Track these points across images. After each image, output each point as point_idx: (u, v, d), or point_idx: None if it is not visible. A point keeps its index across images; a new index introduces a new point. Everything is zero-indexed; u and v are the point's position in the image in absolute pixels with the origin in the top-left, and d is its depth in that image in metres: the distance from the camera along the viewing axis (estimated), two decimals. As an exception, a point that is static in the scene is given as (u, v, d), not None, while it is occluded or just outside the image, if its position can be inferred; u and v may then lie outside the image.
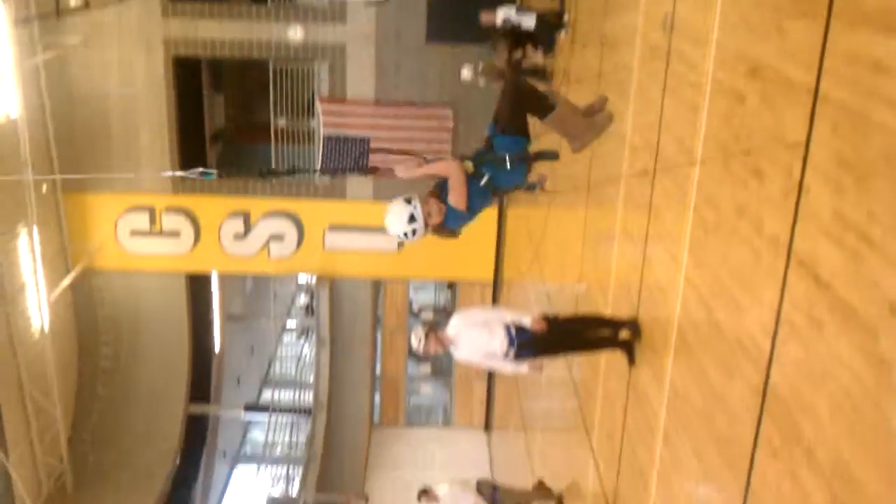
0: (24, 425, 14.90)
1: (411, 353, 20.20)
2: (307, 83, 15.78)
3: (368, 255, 16.28)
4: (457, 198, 6.04)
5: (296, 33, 15.14)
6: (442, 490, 9.52)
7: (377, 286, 19.02)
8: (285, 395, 19.61)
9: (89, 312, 17.26)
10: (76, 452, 16.82)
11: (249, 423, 22.44)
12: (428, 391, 21.86)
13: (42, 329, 15.11)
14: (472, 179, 6.22)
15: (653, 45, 6.31)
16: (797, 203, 3.67)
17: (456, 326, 6.86)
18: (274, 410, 18.45)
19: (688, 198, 5.16)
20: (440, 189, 6.24)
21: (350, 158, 15.58)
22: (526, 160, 6.46)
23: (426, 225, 6.15)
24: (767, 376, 3.88)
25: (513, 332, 6.61)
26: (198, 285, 18.03)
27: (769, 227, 3.96)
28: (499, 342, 6.60)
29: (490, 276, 16.60)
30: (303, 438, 18.28)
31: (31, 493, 14.21)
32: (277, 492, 17.04)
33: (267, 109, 16.03)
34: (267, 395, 21.44)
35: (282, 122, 15.90)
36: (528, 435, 12.32)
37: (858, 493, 3.07)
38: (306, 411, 18.35)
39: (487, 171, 6.27)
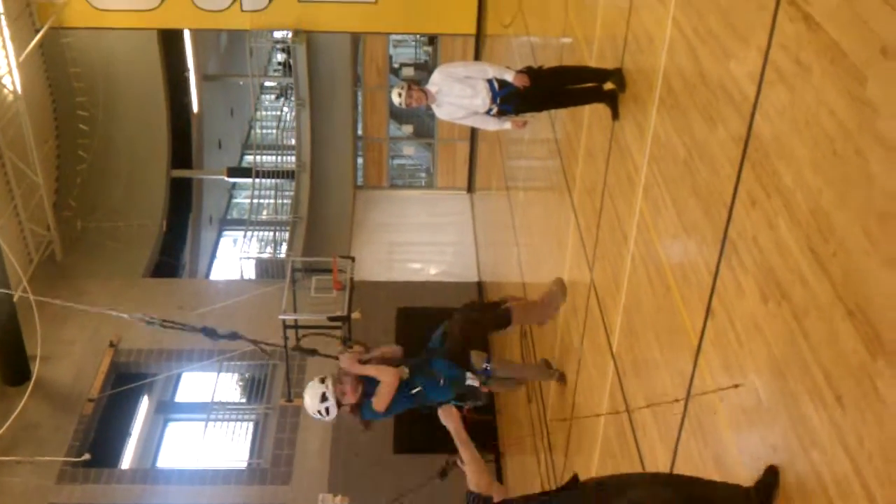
0: (7, 193, 14.88)
1: (393, 114, 19.95)
2: None
3: (345, 6, 15.63)
4: (379, 404, 6.28)
5: None
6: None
7: (356, 42, 18.47)
8: (267, 159, 19.53)
9: (62, 74, 16.80)
10: (63, 220, 16.93)
11: (234, 186, 22.53)
12: (410, 152, 21.82)
13: (15, 92, 14.74)
14: (403, 385, 6.41)
15: None
16: (793, -64, 3.40)
17: (437, 82, 6.64)
18: (257, 175, 18.41)
19: (678, -64, 4.83)
20: (368, 380, 6.44)
21: None
22: (458, 387, 6.79)
23: (339, 405, 6.35)
24: (751, 123, 3.77)
25: (495, 86, 6.42)
26: (171, 43, 17.46)
27: (762, -35, 3.70)
28: (481, 98, 6.43)
29: (472, 29, 16.07)
30: (288, 202, 18.39)
31: (21, 263, 14.43)
32: (265, 255, 17.33)
33: None
34: (249, 158, 21.36)
35: None
36: (511, 195, 12.37)
37: (834, 242, 3.04)
38: (289, 174, 18.34)
39: (420, 383, 6.52)
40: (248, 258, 17.15)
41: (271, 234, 18.31)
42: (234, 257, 19.18)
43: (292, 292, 13.12)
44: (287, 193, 18.48)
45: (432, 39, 20.54)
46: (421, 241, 18.71)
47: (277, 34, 18.46)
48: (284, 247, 17.76)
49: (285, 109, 20.49)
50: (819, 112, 3.16)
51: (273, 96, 24.09)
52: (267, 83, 23.85)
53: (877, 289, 2.77)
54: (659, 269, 5.05)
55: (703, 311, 4.27)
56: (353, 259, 13.50)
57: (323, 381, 6.42)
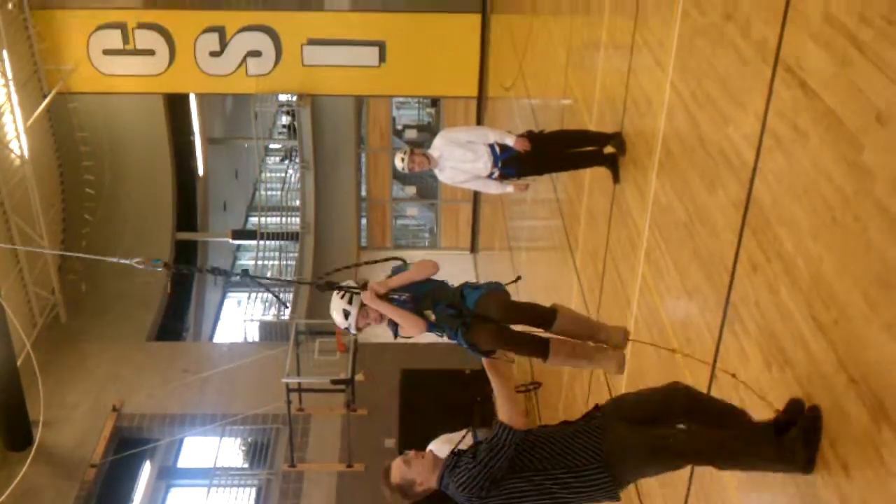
0: (12, 257, 14.91)
1: (396, 175, 20.05)
2: None
3: (349, 70, 15.82)
4: (405, 331, 5.15)
5: None
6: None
7: (359, 104, 18.65)
8: (272, 221, 19.58)
9: (68, 138, 16.94)
10: (67, 283, 16.93)
11: (238, 248, 22.56)
12: (414, 213, 21.88)
13: (22, 156, 14.88)
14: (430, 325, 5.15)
15: None
16: (787, 4, 3.44)
17: (439, 147, 6.68)
18: (261, 237, 18.46)
19: (675, 0, 4.89)
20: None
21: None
22: None
23: (358, 328, 5.20)
24: (750, 189, 3.77)
25: (497, 150, 6.45)
26: (176, 107, 17.63)
27: (757, 31, 3.74)
28: (483, 162, 6.46)
29: (474, 91, 16.24)
30: (292, 263, 18.40)
31: (26, 326, 14.41)
32: (270, 317, 17.29)
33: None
34: (254, 220, 21.42)
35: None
36: (514, 255, 12.38)
37: (836, 309, 3.02)
38: (294, 236, 18.38)
39: (446, 331, 5.12)
40: (252, 320, 17.11)
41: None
42: (238, 319, 19.12)
43: (296, 355, 13.06)
44: (291, 255, 18.51)
45: (435, 101, 20.74)
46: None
47: (282, 97, 18.67)
48: (289, 307, 17.70)
49: (290, 171, 20.62)
50: (817, 178, 3.17)
51: (278, 158, 24.26)
52: (272, 146, 24.04)
53: (879, 357, 2.74)
54: (662, 332, 5.02)
55: (708, 376, 4.23)
56: (356, 320, 13.43)
57: (346, 296, 5.16)
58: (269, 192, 21.46)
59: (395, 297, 4.99)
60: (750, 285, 3.74)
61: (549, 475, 3.34)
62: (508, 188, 6.77)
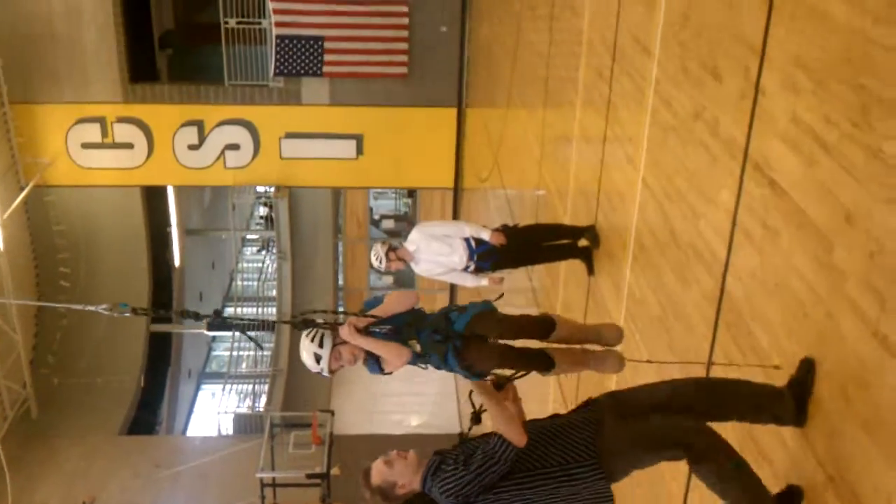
0: (-16, 350, 14.71)
1: (373, 265, 20.05)
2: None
3: (327, 163, 15.98)
4: (389, 366, 4.82)
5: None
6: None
7: (337, 195, 18.77)
8: (248, 310, 19.47)
9: (44, 230, 16.89)
10: (39, 376, 16.67)
11: (214, 339, 22.36)
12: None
13: (-4, 249, 14.79)
14: (415, 357, 4.86)
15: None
16: (754, 105, 3.52)
17: (416, 241, 6.70)
18: (237, 327, 18.31)
19: (645, 98, 4.99)
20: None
21: (305, 60, 15.14)
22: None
23: (331, 371, 4.81)
24: (723, 284, 3.79)
25: (472, 244, 6.47)
26: (154, 198, 17.66)
27: (725, 130, 3.81)
28: (458, 255, 6.48)
29: (450, 183, 16.41)
30: (268, 354, 18.23)
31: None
32: (244, 409, 17.05)
33: (216, 9, 15.44)
34: (230, 310, 21.29)
35: (232, 22, 15.33)
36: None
37: (812, 406, 3.01)
38: (270, 326, 18.26)
39: (432, 362, 4.92)
40: (226, 413, 16.86)
41: (250, 386, 18.05)
42: (212, 412, 18.83)
43: (270, 448, 12.84)
44: (267, 345, 18.34)
45: (412, 192, 20.92)
46: (402, 392, 18.48)
47: (260, 188, 18.78)
48: (264, 399, 17.49)
49: (267, 261, 20.60)
50: (789, 275, 3.19)
51: (255, 248, 24.26)
52: (249, 236, 24.06)
53: (854, 455, 2.72)
54: None
55: (684, 479, 4.18)
56: (332, 413, 13.30)
57: (315, 338, 4.76)
58: (245, 283, 21.41)
59: (377, 330, 4.71)
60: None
61: (540, 473, 3.19)
62: (484, 282, 6.77)
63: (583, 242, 6.21)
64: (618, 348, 4.70)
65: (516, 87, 10.07)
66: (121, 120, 15.73)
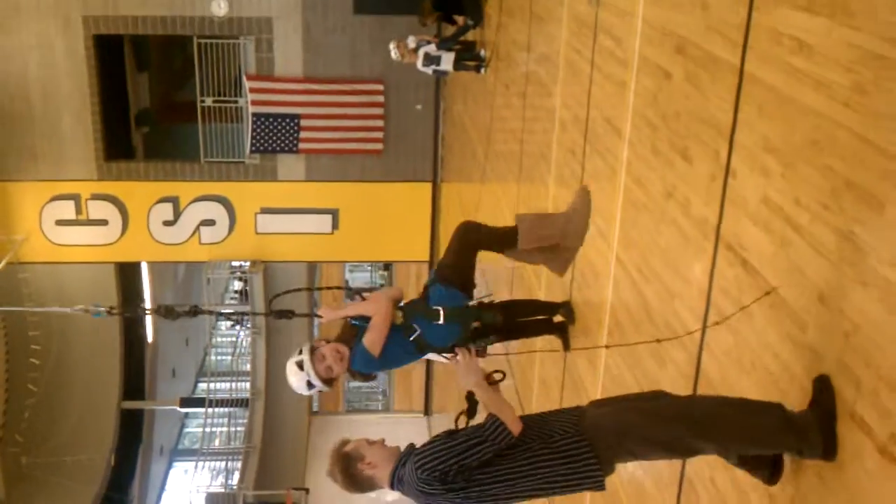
0: (-48, 428, 14.42)
1: (348, 337, 19.94)
2: (233, 60, 15.34)
3: (302, 237, 15.97)
4: (371, 339, 4.72)
5: (220, 7, 14.71)
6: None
7: (312, 268, 18.74)
8: (222, 386, 19.25)
9: (16, 307, 16.70)
10: (8, 456, 16.33)
11: (186, 415, 22.06)
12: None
13: (-34, 326, 14.60)
14: (398, 330, 4.91)
15: (580, 18, 6.17)
16: (724, 186, 3.58)
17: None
18: (210, 404, 18.08)
19: (617, 177, 5.06)
20: (359, 330, 4.87)
21: (281, 137, 15.26)
22: (462, 319, 5.16)
23: (323, 379, 4.73)
24: (698, 363, 3.80)
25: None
26: (128, 274, 17.55)
27: (697, 210, 3.87)
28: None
29: (426, 256, 16.44)
30: (241, 429, 17.98)
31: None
32: (216, 488, 16.74)
33: (193, 88, 15.57)
34: (203, 386, 21.05)
35: (209, 100, 15.46)
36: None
37: (790, 484, 3.00)
38: (244, 402, 18.04)
39: (419, 325, 4.98)
40: (199, 491, 16.53)
41: (223, 463, 17.75)
42: (184, 490, 18.46)
43: (244, 529, 12.57)
44: (241, 421, 18.09)
45: (387, 265, 20.94)
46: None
47: (235, 262, 18.71)
48: (237, 475, 17.19)
49: (241, 335, 20.43)
50: (764, 355, 3.21)
51: (229, 323, 24.07)
52: (224, 310, 23.89)
53: (839, 540, 2.71)
54: (615, 499, 4.93)
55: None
56: (307, 491, 13.09)
57: (300, 356, 4.75)
58: (219, 358, 21.21)
59: (356, 322, 4.77)
60: (704, 461, 3.71)
61: (523, 451, 3.01)
62: (458, 357, 6.71)
63: (558, 318, 6.21)
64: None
65: (490, 162, 10.19)
66: (95, 197, 15.69)
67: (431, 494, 3.05)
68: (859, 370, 2.62)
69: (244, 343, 19.61)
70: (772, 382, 3.14)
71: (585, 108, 5.83)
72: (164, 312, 5.31)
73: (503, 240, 5.78)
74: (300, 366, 4.60)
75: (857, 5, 2.65)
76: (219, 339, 22.09)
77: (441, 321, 4.98)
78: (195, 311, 5.80)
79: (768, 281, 3.19)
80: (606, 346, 4.86)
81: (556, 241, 5.80)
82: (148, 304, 18.11)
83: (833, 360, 2.76)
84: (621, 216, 4.97)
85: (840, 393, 2.71)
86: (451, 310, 5.05)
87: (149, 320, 18.21)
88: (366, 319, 4.77)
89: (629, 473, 4.74)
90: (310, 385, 4.66)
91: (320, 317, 5.26)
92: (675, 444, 2.95)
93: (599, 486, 3.01)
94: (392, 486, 3.16)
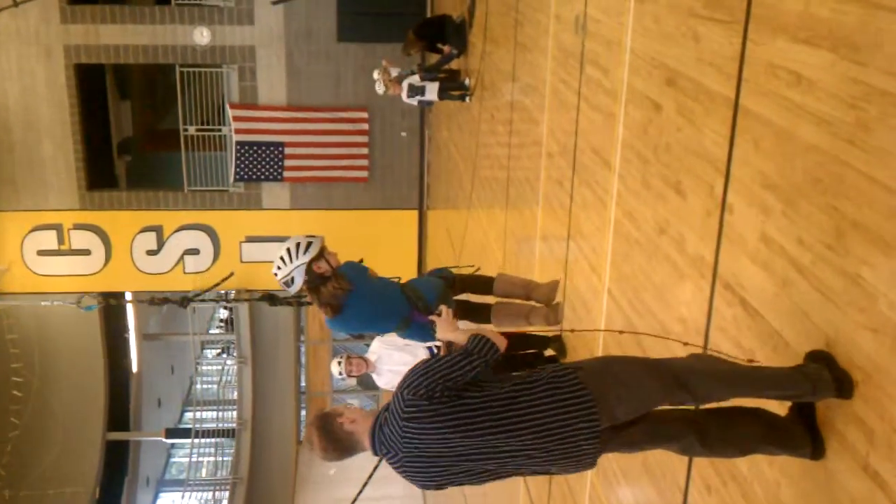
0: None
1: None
2: (216, 88, 15.22)
3: (287, 265, 15.81)
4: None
5: (202, 36, 14.60)
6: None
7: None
8: (208, 415, 19.02)
9: (-2, 338, 16.48)
10: (-11, 490, 16.06)
11: (173, 445, 21.78)
12: (355, 404, 21.46)
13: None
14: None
15: (565, 48, 6.07)
16: (721, 222, 3.45)
17: (376, 351, 6.57)
18: (197, 434, 17.84)
19: (607, 210, 4.94)
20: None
21: (265, 165, 15.14)
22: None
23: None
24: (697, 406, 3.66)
25: (436, 352, 6.32)
26: (110, 304, 17.34)
27: (692, 247, 3.74)
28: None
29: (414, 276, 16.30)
30: (228, 458, 17.75)
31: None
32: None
33: (176, 116, 15.44)
34: (189, 415, 20.80)
35: (192, 129, 15.33)
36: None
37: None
38: (230, 433, 17.81)
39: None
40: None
41: (211, 493, 17.51)
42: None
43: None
44: (228, 451, 17.87)
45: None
46: (367, 497, 17.97)
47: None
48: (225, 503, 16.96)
49: (228, 363, 20.22)
50: (766, 402, 3.07)
51: (215, 352, 23.84)
52: (210, 338, 23.67)
53: None
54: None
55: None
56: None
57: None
58: (205, 386, 20.97)
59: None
60: (711, 466, 3.56)
61: (513, 380, 2.85)
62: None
63: (549, 352, 6.08)
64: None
65: (476, 190, 10.07)
66: (78, 227, 15.52)
67: (419, 426, 2.82)
68: (872, 421, 2.49)
69: (231, 371, 19.39)
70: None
71: (573, 138, 5.72)
72: (153, 302, 5.51)
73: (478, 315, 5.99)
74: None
75: (861, 38, 2.54)
76: (205, 367, 21.83)
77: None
78: (187, 299, 6.23)
79: (769, 323, 3.07)
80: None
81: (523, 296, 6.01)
82: (132, 334, 17.91)
83: (843, 410, 2.63)
84: (612, 249, 4.85)
85: (852, 445, 2.58)
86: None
87: (133, 349, 17.99)
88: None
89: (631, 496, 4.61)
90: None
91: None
92: (666, 374, 2.86)
93: (594, 427, 2.76)
94: (373, 443, 2.93)
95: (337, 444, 2.98)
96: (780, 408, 2.94)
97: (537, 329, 6.02)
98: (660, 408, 2.92)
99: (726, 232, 3.41)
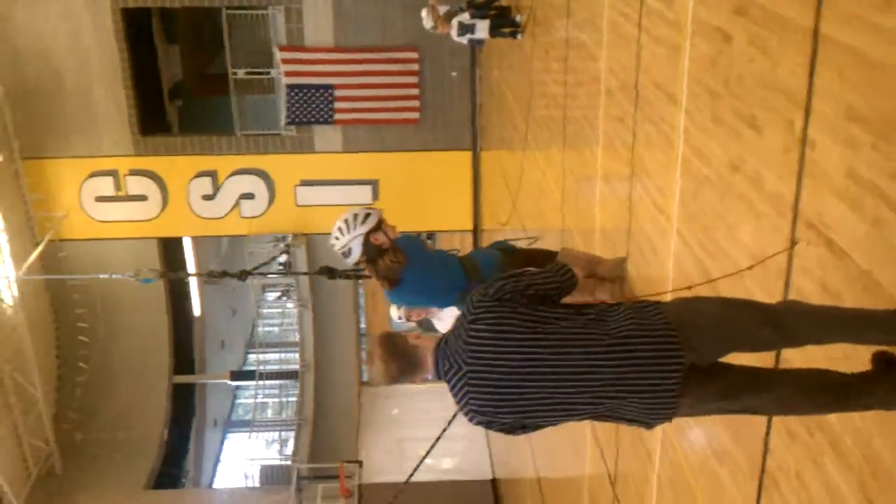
0: (5, 407, 14.56)
1: (395, 306, 19.86)
2: (264, 31, 15.09)
3: (343, 209, 15.77)
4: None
5: (247, -24, 14.45)
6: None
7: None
8: (271, 357, 19.31)
9: (61, 285, 16.77)
10: (62, 432, 16.52)
11: (237, 388, 22.20)
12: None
13: (15, 306, 14.68)
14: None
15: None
16: (801, 159, 3.26)
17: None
18: (261, 377, 18.12)
19: (674, 147, 4.74)
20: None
21: (315, 108, 15.04)
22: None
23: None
24: (778, 353, 3.51)
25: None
26: (171, 247, 17.54)
27: (770, 185, 3.55)
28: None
29: (469, 225, 16.19)
30: (293, 399, 18.04)
31: (20, 477, 13.90)
32: (271, 459, 16.83)
33: (224, 59, 15.37)
34: (253, 357, 21.12)
35: (241, 72, 15.27)
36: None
37: (893, 492, 2.73)
38: (294, 375, 18.06)
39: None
40: (253, 461, 16.63)
41: (277, 434, 17.86)
42: (239, 461, 18.62)
43: (298, 502, 12.60)
44: (292, 392, 18.16)
45: (431, 233, 20.73)
46: (430, 437, 18.15)
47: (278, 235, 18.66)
48: (291, 444, 17.27)
49: (289, 305, 20.44)
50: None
51: (276, 294, 24.11)
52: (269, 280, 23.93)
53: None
54: (687, 489, 4.70)
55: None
56: (360, 464, 13.06)
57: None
58: (267, 329, 21.26)
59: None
60: (789, 455, 3.44)
61: (590, 311, 2.75)
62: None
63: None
64: None
65: (531, 130, 9.87)
66: (133, 173, 15.66)
67: (485, 329, 2.73)
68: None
69: (291, 314, 19.62)
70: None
71: (634, 74, 5.50)
72: (212, 275, 5.52)
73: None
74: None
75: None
76: (265, 311, 22.14)
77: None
78: (245, 272, 6.11)
79: (858, 264, 2.90)
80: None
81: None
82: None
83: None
84: (680, 188, 4.66)
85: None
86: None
87: (195, 293, 18.23)
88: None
89: (700, 461, 4.50)
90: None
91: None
92: (755, 310, 2.78)
93: (677, 358, 2.64)
94: (436, 361, 2.84)
95: (400, 357, 2.88)
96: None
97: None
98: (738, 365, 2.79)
99: (808, 169, 3.22)
